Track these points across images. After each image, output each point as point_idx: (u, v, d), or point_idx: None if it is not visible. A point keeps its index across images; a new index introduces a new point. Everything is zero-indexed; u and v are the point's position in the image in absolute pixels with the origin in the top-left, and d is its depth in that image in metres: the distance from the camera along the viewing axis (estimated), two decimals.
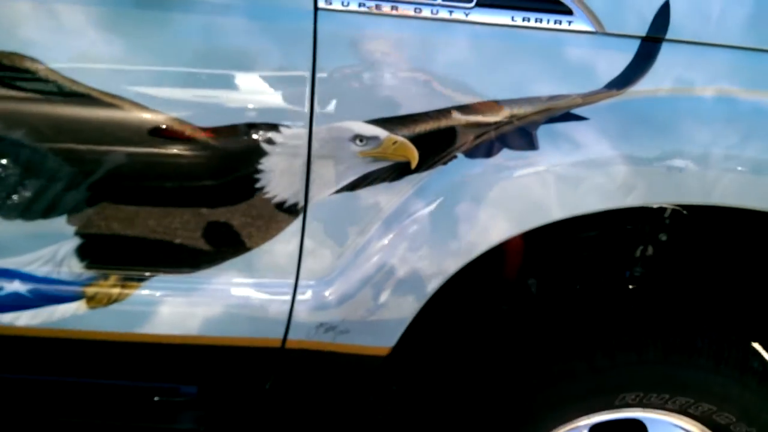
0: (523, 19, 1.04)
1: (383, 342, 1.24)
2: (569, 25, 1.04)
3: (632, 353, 1.26)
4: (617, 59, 1.05)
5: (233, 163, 1.10)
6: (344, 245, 1.17)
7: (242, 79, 1.05)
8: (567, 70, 1.06)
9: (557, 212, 1.11)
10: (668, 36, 1.05)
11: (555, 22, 1.04)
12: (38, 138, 1.06)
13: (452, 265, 1.15)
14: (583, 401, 1.30)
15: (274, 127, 1.07)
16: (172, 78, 1.05)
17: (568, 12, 1.04)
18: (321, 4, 1.03)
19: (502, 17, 1.04)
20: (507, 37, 1.05)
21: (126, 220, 1.14)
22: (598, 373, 1.27)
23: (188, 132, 1.07)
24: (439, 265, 1.15)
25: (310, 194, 1.13)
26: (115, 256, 1.18)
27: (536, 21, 1.04)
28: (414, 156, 1.09)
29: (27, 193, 1.11)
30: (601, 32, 1.05)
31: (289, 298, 1.21)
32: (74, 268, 1.18)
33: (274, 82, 1.06)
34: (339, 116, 1.08)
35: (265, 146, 1.08)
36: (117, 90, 1.03)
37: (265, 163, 1.10)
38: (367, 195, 1.13)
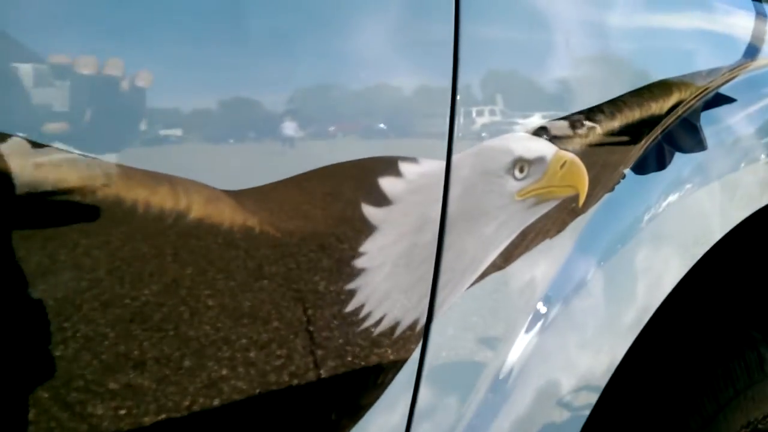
0: None
1: None
2: None
3: None
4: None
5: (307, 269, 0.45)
6: (480, 372, 0.62)
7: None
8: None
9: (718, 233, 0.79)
10: None
11: None
12: None
13: (627, 343, 0.72)
14: None
15: (390, 165, 0.47)
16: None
17: None
18: None
19: None
20: None
21: None
22: None
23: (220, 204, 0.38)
24: (614, 351, 0.71)
25: (439, 298, 0.55)
26: None
27: None
28: (585, 182, 0.63)
29: None
30: None
31: None
32: None
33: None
34: (488, 129, 0.54)
35: (371, 212, 0.47)
36: None
37: (368, 250, 0.48)
38: (520, 271, 0.61)
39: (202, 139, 0.39)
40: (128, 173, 0.35)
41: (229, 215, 0.39)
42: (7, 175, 0.32)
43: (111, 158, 0.36)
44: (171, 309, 0.40)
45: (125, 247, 0.38)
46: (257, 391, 0.47)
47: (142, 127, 0.37)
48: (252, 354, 0.46)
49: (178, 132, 0.39)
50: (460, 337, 0.58)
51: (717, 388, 1.04)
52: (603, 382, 0.71)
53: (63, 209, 0.35)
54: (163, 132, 0.38)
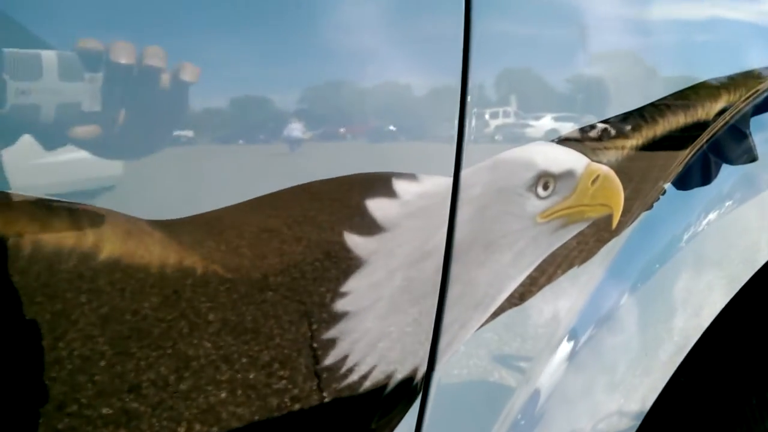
0: None
1: None
2: None
3: None
4: None
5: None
6: (491, 428, 0.52)
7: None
8: None
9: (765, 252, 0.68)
10: None
11: None
12: None
13: (663, 380, 0.62)
14: None
15: (382, 183, 0.37)
16: None
17: None
18: None
19: None
20: None
21: None
22: None
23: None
24: (647, 391, 0.61)
25: (442, 343, 0.45)
26: None
27: None
28: (621, 200, 0.53)
29: None
30: None
31: None
32: None
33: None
34: (505, 138, 0.44)
35: (357, 242, 0.37)
36: None
37: (353, 289, 0.38)
38: (541, 305, 0.51)
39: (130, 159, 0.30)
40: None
41: (158, 251, 0.30)
42: None
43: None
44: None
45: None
46: None
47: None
48: (209, 417, 0.36)
49: (104, 155, 0.29)
50: (467, 388, 0.48)
51: (751, 419, 0.95)
52: (633, 427, 0.61)
53: None
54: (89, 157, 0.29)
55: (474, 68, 0.40)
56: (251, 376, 0.36)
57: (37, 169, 0.25)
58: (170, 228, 0.30)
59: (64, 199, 0.26)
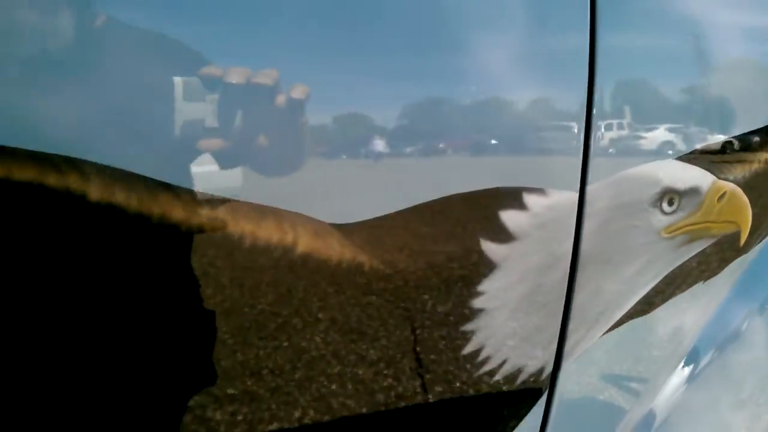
0: None
1: None
2: None
3: None
4: None
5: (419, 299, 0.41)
6: (613, 429, 0.54)
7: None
8: None
9: None
10: None
11: None
12: None
13: None
14: None
15: (513, 196, 0.42)
16: None
17: None
18: None
19: None
20: None
21: None
22: None
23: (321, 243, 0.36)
24: None
25: (568, 344, 0.49)
26: None
27: None
28: (749, 217, 0.54)
29: None
30: None
31: None
32: None
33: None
34: (630, 153, 0.48)
35: (492, 249, 0.43)
36: None
37: (488, 290, 0.43)
38: (666, 317, 0.53)
39: (310, 168, 0.37)
40: (234, 207, 0.34)
41: (337, 250, 0.37)
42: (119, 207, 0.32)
43: (219, 191, 0.35)
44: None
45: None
46: None
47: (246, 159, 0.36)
48: (365, 398, 0.43)
49: (284, 162, 0.37)
50: (591, 389, 0.51)
51: None
52: None
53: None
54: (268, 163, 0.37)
55: (600, 82, 0.44)
56: (407, 360, 0.43)
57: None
58: (351, 229, 0.37)
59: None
